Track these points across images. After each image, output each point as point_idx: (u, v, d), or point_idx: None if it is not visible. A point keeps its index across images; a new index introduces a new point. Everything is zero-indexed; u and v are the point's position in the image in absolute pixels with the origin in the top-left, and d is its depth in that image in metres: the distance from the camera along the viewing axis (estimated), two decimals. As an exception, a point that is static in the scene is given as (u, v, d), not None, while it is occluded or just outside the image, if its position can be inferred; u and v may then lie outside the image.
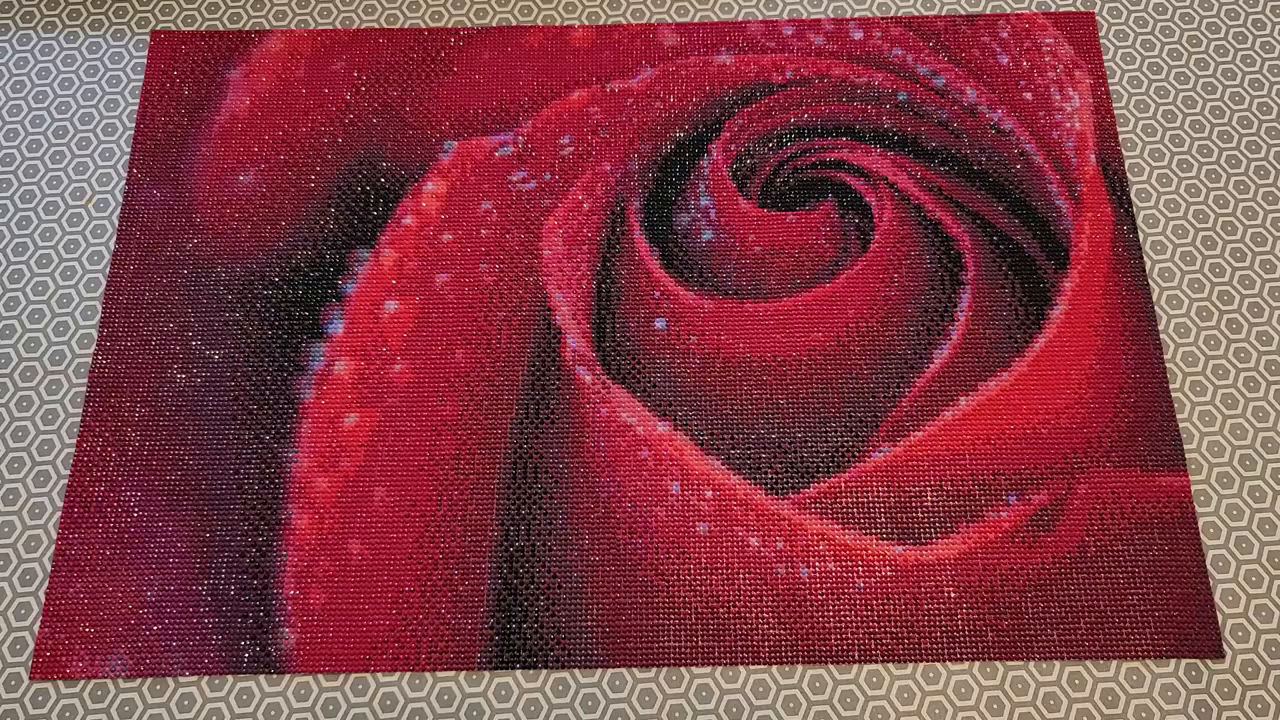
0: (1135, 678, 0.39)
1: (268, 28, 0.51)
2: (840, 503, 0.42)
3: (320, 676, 0.40)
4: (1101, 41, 0.50)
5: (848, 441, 0.43)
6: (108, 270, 0.46)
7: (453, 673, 0.40)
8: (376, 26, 0.51)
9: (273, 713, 0.39)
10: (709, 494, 0.42)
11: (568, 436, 0.43)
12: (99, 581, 0.41)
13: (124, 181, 0.48)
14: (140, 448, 0.43)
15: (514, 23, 0.51)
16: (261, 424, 0.44)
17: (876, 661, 0.40)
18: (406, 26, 0.51)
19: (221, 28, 0.51)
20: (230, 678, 0.40)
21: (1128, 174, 0.47)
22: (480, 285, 0.46)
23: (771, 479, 0.42)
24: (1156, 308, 0.45)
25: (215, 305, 0.46)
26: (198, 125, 0.49)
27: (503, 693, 0.40)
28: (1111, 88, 0.49)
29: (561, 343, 0.45)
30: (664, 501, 0.42)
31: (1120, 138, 0.48)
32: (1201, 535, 0.41)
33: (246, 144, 0.48)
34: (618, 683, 0.40)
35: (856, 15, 0.50)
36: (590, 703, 0.39)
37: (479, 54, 0.50)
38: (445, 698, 0.40)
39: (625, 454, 0.43)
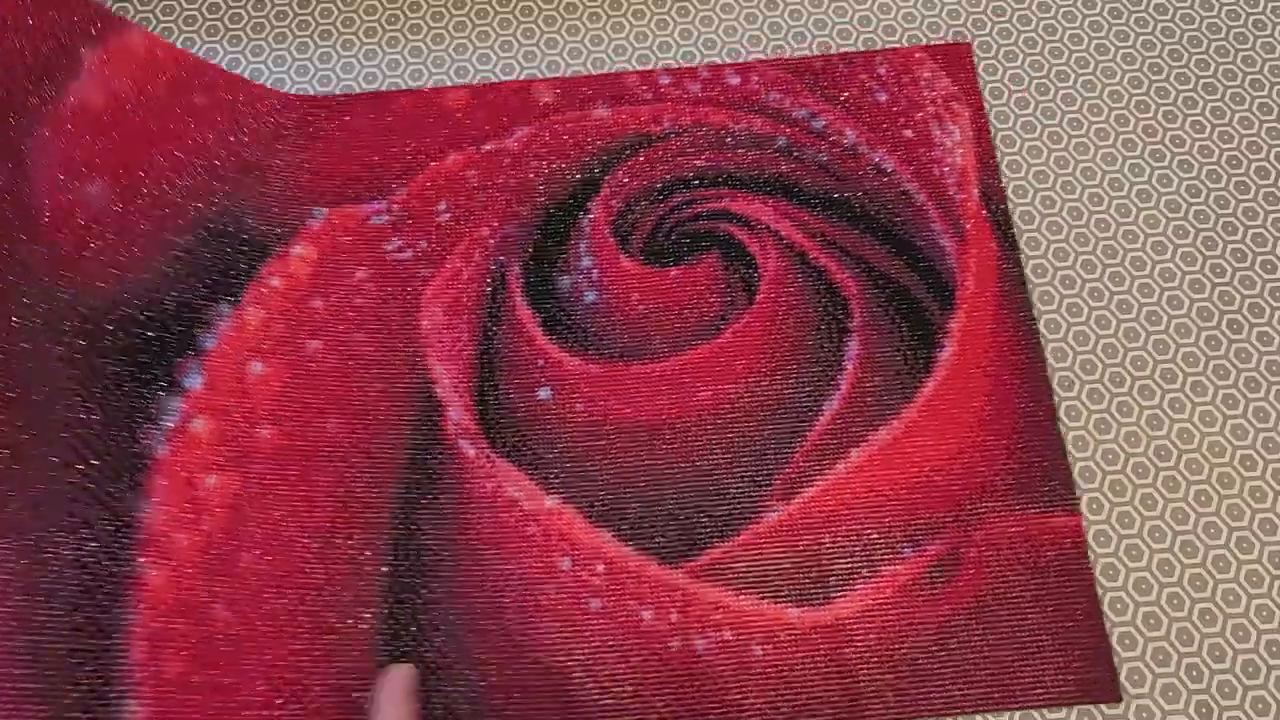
0: (1136, 677, 0.40)
1: (267, 28, 0.48)
2: (734, 568, 0.41)
3: (177, 762, 0.37)
4: (979, 71, 0.49)
5: (741, 504, 0.42)
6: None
7: (338, 765, 0.39)
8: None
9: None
10: (600, 568, 0.41)
11: (452, 513, 0.42)
12: None
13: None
14: None
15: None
16: (103, 472, 0.39)
17: (777, 731, 0.39)
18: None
19: (222, 28, 0.49)
20: (54, 757, 0.35)
21: (1011, 203, 0.47)
22: (356, 355, 0.44)
23: (663, 548, 0.42)
24: (1044, 342, 0.44)
25: (50, 333, 0.40)
26: (43, 98, 0.41)
27: (394, 789, 0.38)
28: (991, 118, 0.48)
29: (443, 416, 0.43)
30: (554, 579, 0.41)
31: (1002, 168, 0.47)
32: (1100, 577, 0.41)
33: (100, 144, 0.42)
34: (513, 772, 0.39)
35: (729, 60, 0.50)
36: (486, 796, 0.38)
37: (349, 121, 0.48)
38: (334, 797, 0.38)
39: (513, 530, 0.42)
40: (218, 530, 0.39)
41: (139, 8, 0.50)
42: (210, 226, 0.44)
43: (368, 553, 0.41)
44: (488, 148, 0.48)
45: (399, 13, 0.51)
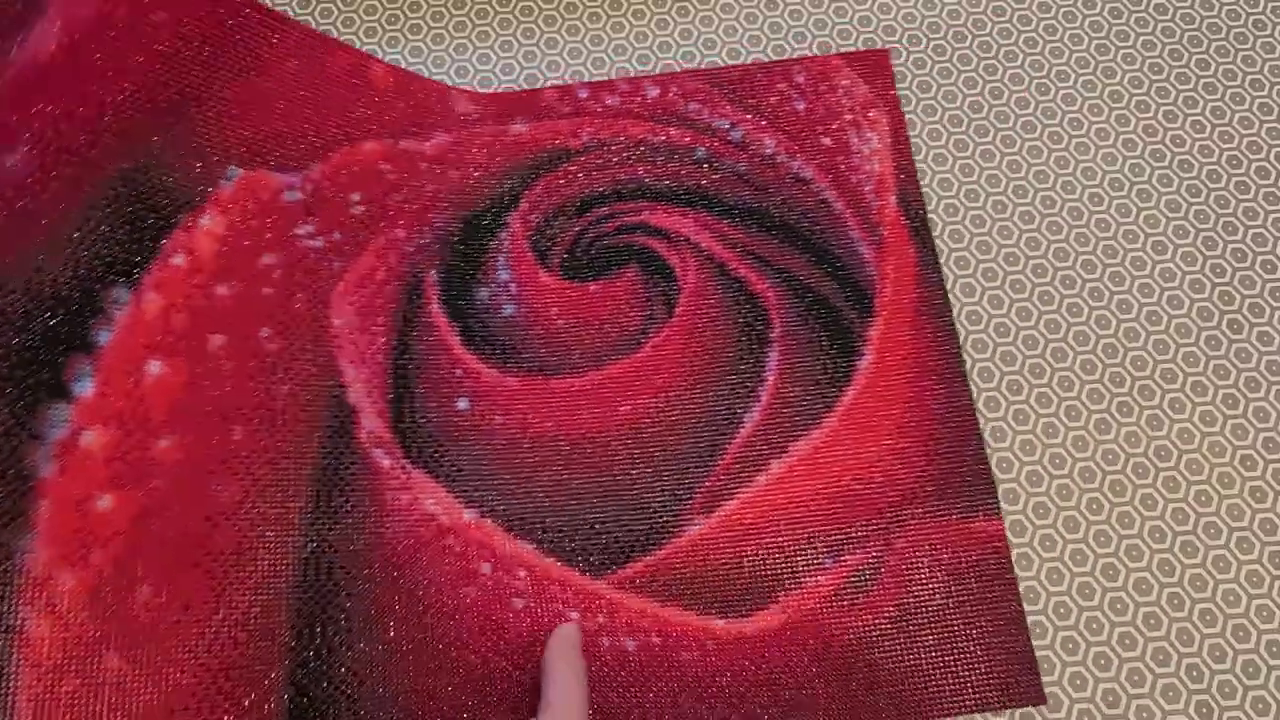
0: (1136, 678, 0.39)
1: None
2: (657, 581, 0.41)
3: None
4: (896, 77, 0.49)
5: (663, 517, 0.42)
6: None
7: (249, 802, 0.37)
8: None
9: None
10: (522, 574, 0.40)
11: (365, 527, 0.40)
12: None
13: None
14: None
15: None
16: None
17: (700, 743, 0.39)
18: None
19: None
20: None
21: (934, 213, 0.47)
22: (262, 353, 0.41)
23: (585, 561, 0.41)
24: (964, 352, 0.45)
25: None
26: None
27: (308, 819, 0.37)
28: (910, 125, 0.48)
29: (356, 423, 0.42)
30: (475, 581, 0.40)
31: (922, 177, 0.47)
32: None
33: (30, 109, 0.38)
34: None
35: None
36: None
37: (287, 62, 0.45)
38: (245, 831, 0.37)
39: (430, 543, 0.41)
40: (109, 565, 0.36)
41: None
42: (122, 186, 0.40)
43: (276, 576, 0.39)
44: (404, 145, 0.47)
45: (399, 13, 0.50)
